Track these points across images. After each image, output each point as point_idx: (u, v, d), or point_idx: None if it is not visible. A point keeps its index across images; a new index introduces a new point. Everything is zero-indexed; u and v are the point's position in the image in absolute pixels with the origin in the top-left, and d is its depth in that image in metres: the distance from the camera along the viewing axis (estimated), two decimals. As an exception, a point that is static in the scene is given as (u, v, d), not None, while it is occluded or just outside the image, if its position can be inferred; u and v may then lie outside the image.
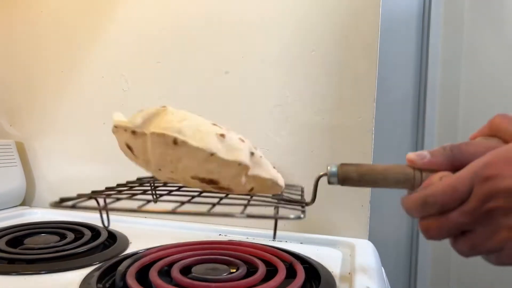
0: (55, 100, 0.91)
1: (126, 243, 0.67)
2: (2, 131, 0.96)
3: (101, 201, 0.42)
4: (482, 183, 0.34)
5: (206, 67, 0.80)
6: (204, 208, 0.41)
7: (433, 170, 0.40)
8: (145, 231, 0.76)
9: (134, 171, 0.85)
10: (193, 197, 0.44)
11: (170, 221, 0.80)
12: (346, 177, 0.43)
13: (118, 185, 0.51)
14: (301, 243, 0.70)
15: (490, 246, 0.35)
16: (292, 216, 0.38)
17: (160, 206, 0.42)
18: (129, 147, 0.43)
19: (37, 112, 0.93)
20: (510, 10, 1.05)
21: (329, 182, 0.44)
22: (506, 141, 0.39)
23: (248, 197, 0.45)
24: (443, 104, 1.10)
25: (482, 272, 0.93)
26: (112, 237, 0.69)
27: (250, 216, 0.37)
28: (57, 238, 0.68)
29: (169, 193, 0.47)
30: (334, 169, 0.44)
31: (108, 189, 0.49)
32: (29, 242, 0.66)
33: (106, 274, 0.53)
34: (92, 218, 0.81)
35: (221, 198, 0.44)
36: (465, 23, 1.08)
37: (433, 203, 0.37)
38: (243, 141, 0.42)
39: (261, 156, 0.43)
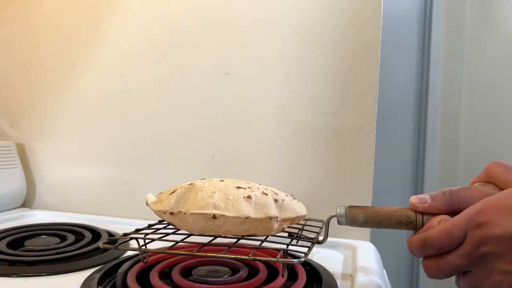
0: (56, 101, 0.91)
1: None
2: (3, 133, 0.96)
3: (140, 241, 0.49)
4: (475, 229, 0.38)
5: (206, 69, 0.80)
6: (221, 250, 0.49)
7: (434, 214, 0.44)
8: (146, 233, 0.76)
9: (133, 173, 0.85)
10: (215, 237, 0.49)
11: (171, 223, 0.79)
12: (353, 218, 0.48)
13: (159, 222, 0.57)
14: (302, 244, 0.69)
15: (487, 286, 0.38)
16: (295, 260, 0.43)
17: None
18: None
19: (38, 114, 0.92)
20: (511, 10, 1.05)
21: (339, 223, 0.49)
22: (500, 188, 0.42)
23: (263, 237, 0.50)
24: (445, 104, 1.10)
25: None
26: (113, 239, 0.69)
27: (257, 260, 0.44)
28: (57, 240, 0.67)
29: (191, 234, 0.51)
30: (342, 211, 0.49)
31: (150, 226, 0.56)
32: (29, 244, 0.66)
33: (107, 276, 0.53)
34: (92, 219, 0.81)
35: (238, 239, 0.49)
36: (467, 23, 1.08)
37: (431, 245, 0.41)
38: (266, 194, 0.48)
39: (283, 199, 0.49)
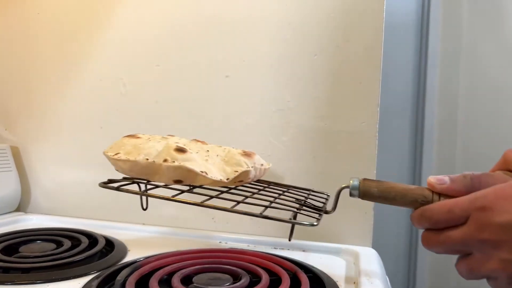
0: (51, 103, 0.89)
1: (124, 250, 0.65)
2: (-3, 135, 0.94)
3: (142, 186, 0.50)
4: (477, 212, 0.37)
5: (206, 71, 0.78)
6: (229, 204, 0.47)
7: (451, 196, 0.42)
8: (144, 238, 0.75)
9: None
10: (222, 192, 0.50)
11: (169, 228, 0.78)
12: (366, 191, 0.46)
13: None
14: (303, 251, 0.68)
15: (485, 272, 0.38)
16: (306, 222, 0.42)
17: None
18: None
19: (33, 116, 0.91)
20: (509, 14, 1.05)
21: (350, 194, 0.47)
22: None
23: (272, 199, 0.50)
24: (442, 108, 1.10)
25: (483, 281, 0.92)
26: (110, 244, 0.68)
27: (268, 217, 0.43)
28: (53, 245, 0.66)
29: (201, 186, 0.52)
30: (356, 183, 0.46)
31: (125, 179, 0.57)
32: (24, 250, 0.64)
33: (105, 284, 0.52)
34: (89, 224, 0.80)
35: (246, 197, 0.49)
36: (464, 27, 1.08)
37: (428, 217, 0.40)
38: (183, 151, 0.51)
39: (191, 152, 0.51)
